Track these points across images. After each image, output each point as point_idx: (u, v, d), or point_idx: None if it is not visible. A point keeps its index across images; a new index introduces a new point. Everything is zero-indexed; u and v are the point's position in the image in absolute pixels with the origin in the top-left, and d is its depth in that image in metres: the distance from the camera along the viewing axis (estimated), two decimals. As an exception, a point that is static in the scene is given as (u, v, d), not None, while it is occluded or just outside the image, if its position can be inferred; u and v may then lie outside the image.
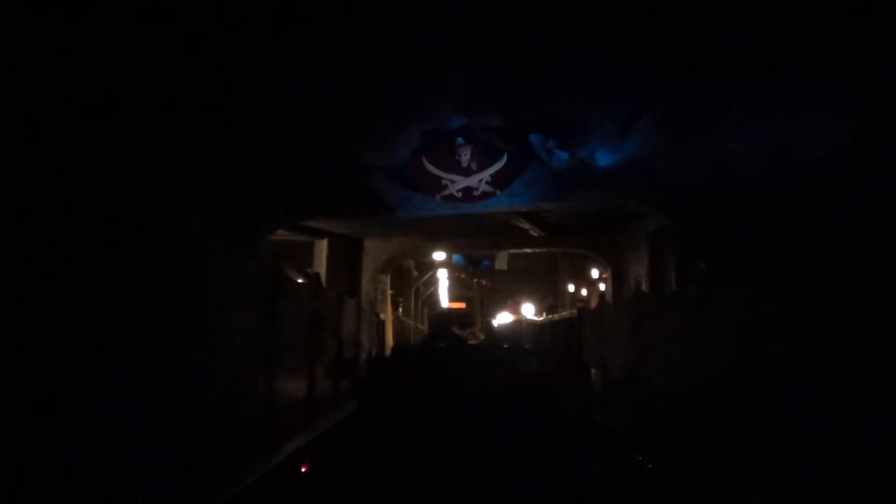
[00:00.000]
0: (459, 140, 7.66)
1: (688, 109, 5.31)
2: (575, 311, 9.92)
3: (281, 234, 11.22)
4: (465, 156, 7.79)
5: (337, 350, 7.23)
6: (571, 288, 30.43)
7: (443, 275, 22.18)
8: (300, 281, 5.70)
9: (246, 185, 6.97)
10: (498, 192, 7.96)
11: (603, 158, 6.41)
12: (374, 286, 12.73)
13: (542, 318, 15.87)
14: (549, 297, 29.70)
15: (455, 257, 23.18)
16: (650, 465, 5.75)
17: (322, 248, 12.30)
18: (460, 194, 8.03)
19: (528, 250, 13.45)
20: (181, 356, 3.16)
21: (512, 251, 14.27)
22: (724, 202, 6.28)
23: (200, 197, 4.21)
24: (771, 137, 5.39)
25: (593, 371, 8.13)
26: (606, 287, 26.20)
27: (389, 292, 15.21)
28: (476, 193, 8.00)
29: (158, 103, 4.98)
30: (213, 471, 3.45)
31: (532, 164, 7.73)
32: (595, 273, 27.88)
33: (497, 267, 27.57)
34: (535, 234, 11.10)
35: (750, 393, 4.09)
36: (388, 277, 14.24)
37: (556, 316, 13.08)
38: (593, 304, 27.85)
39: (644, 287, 9.77)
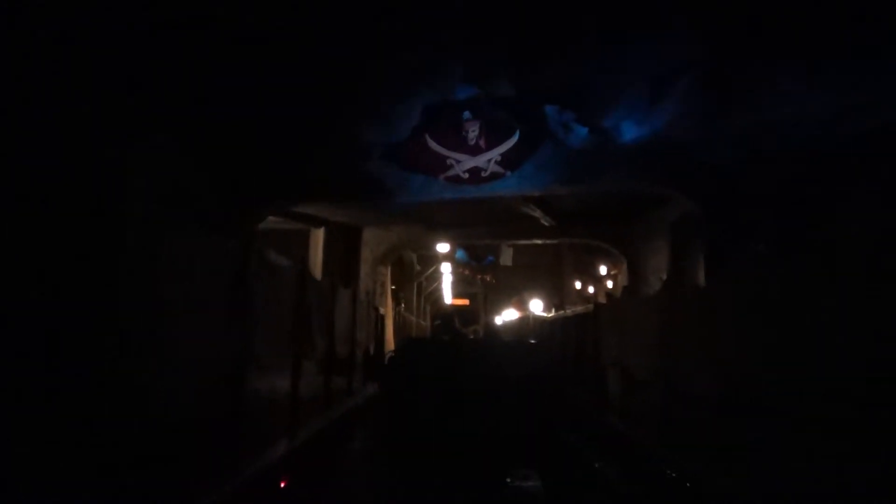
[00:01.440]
0: (466, 114, 6.95)
1: (731, 72, 4.59)
2: (590, 305, 9.21)
3: (275, 222, 10.60)
4: (473, 132, 7.08)
5: (328, 346, 6.56)
6: (578, 285, 29.99)
7: (446, 269, 21.46)
8: (284, 266, 5.00)
9: (227, 163, 6.27)
10: (508, 174, 7.25)
11: (629, 131, 5.70)
12: (372, 278, 12.08)
13: (551, 315, 15.16)
14: (557, 296, 29.17)
15: (458, 253, 22.64)
16: (674, 475, 5.12)
17: (318, 237, 11.64)
18: (467, 175, 7.33)
19: (538, 241, 12.80)
20: (115, 367, 2.47)
21: (520, 242, 13.60)
22: (765, 183, 5.58)
23: (167, 174, 3.50)
24: (823, 105, 4.67)
25: (611, 371, 7.43)
26: (615, 283, 25.60)
27: (390, 286, 14.58)
28: (484, 174, 7.30)
29: (124, 65, 4.30)
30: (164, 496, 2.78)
31: (546, 142, 7.03)
32: (603, 269, 27.44)
33: (501, 263, 27.17)
34: (545, 224, 10.42)
35: (805, 395, 3.42)
36: (389, 270, 13.61)
37: (567, 312, 12.36)
38: (600, 299, 27.45)
39: (664, 279, 9.08)
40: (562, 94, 5.58)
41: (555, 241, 13.42)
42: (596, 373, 7.88)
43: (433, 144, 7.22)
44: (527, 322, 18.76)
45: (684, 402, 5.24)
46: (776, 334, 3.79)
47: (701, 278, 7.10)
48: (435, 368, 5.66)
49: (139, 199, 2.70)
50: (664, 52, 4.42)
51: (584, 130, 6.41)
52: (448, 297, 28.19)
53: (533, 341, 9.89)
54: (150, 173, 2.85)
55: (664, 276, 9.09)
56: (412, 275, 19.95)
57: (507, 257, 27.99)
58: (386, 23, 4.76)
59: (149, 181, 2.80)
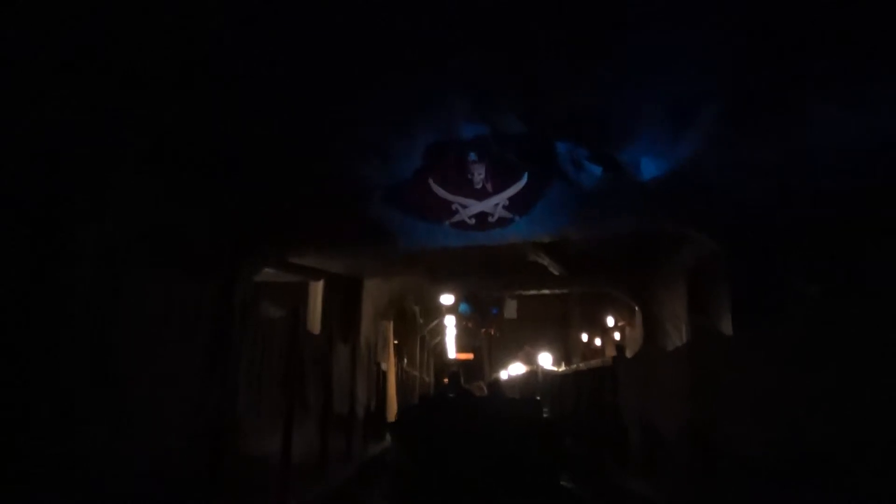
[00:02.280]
0: (472, 155, 6.59)
1: (762, 97, 4.22)
2: (607, 358, 8.69)
3: (272, 275, 10.21)
4: (479, 175, 6.71)
5: (325, 404, 6.05)
6: (584, 337, 29.39)
7: (450, 322, 20.96)
8: (275, 317, 4.56)
9: (212, 205, 5.86)
10: (517, 218, 6.84)
11: (648, 167, 5.32)
12: (374, 332, 11.58)
13: (562, 369, 14.56)
14: (563, 349, 28.68)
15: (462, 306, 22.20)
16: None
17: (317, 289, 11.23)
18: (473, 221, 6.92)
19: (547, 291, 12.30)
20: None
21: (528, 292, 13.10)
22: (801, 219, 5.16)
23: (140, 215, 3.07)
24: (867, 133, 4.29)
25: (633, 429, 6.87)
26: (623, 335, 24.97)
27: (393, 340, 14.06)
28: (491, 220, 6.89)
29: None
30: None
31: (556, 183, 6.67)
32: (610, 321, 26.98)
33: (506, 316, 27.01)
34: (554, 272, 9.97)
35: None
36: (391, 323, 13.11)
37: (581, 365, 11.81)
38: (608, 353, 26.97)
39: (685, 331, 8.58)
40: (576, 128, 5.21)
41: (564, 291, 12.91)
42: (616, 431, 7.32)
43: (437, 189, 6.84)
44: (534, 377, 18.16)
45: (719, 462, 4.72)
46: (836, 381, 3.31)
47: (726, 325, 6.63)
48: (450, 430, 5.55)
49: (95, 240, 2.28)
50: (690, 75, 4.06)
51: (597, 169, 6.03)
52: (452, 351, 27.58)
53: (537, 398, 9.55)
54: (115, 213, 2.43)
55: (683, 325, 8.61)
56: (415, 328, 19.40)
57: (511, 309, 27.85)
58: (381, 47, 4.43)
59: (112, 221, 2.39)
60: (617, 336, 26.73)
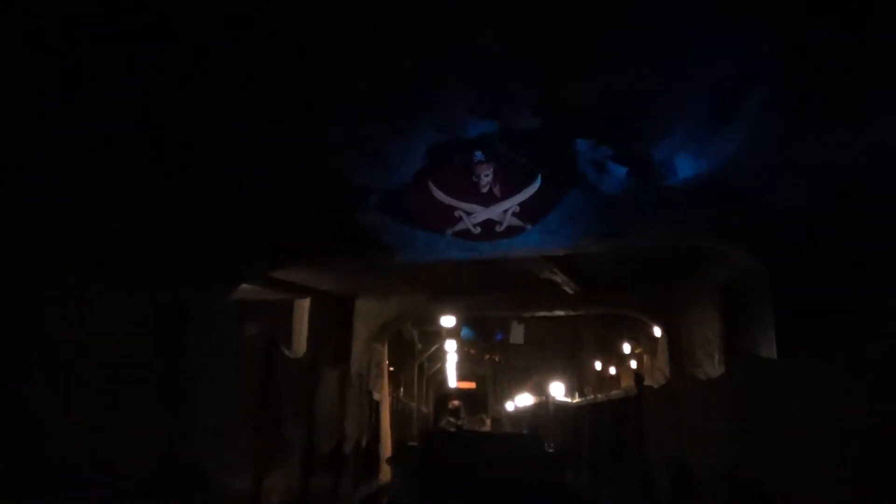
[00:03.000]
0: (478, 155, 6.24)
1: (821, 82, 3.88)
2: (630, 387, 8.30)
3: (252, 293, 9.88)
4: (486, 177, 6.36)
5: (307, 440, 5.65)
6: (598, 365, 28.96)
7: (451, 347, 20.54)
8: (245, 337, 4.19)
9: (181, 214, 5.49)
10: (528, 227, 6.50)
11: (683, 167, 4.96)
12: (367, 357, 11.23)
13: (577, 400, 14.16)
14: (575, 378, 28.28)
15: (464, 331, 21.94)
16: None
17: (303, 308, 10.87)
18: (478, 230, 6.57)
19: (559, 313, 11.93)
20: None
21: (539, 314, 12.73)
22: (860, 234, 4.81)
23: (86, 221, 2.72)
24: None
25: (660, 469, 6.46)
26: (641, 363, 24.56)
27: (387, 367, 13.68)
28: (499, 229, 6.54)
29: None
30: None
31: (574, 187, 6.33)
32: (626, 348, 26.62)
33: (512, 341, 26.60)
34: (568, 291, 9.60)
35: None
36: (386, 348, 12.76)
37: (598, 396, 11.41)
38: (623, 383, 26.55)
39: (718, 358, 8.20)
40: (599, 121, 4.86)
41: (578, 313, 12.53)
42: (639, 472, 6.92)
43: (438, 193, 6.50)
44: (544, 409, 17.73)
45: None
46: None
47: (769, 351, 6.27)
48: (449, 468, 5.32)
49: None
50: (736, 53, 3.72)
51: (622, 171, 5.68)
52: (453, 380, 27.17)
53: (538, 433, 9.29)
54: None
55: (716, 352, 8.24)
56: (412, 354, 19.07)
57: (517, 334, 27.38)
58: (369, 28, 4.11)
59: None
60: (634, 364, 26.44)
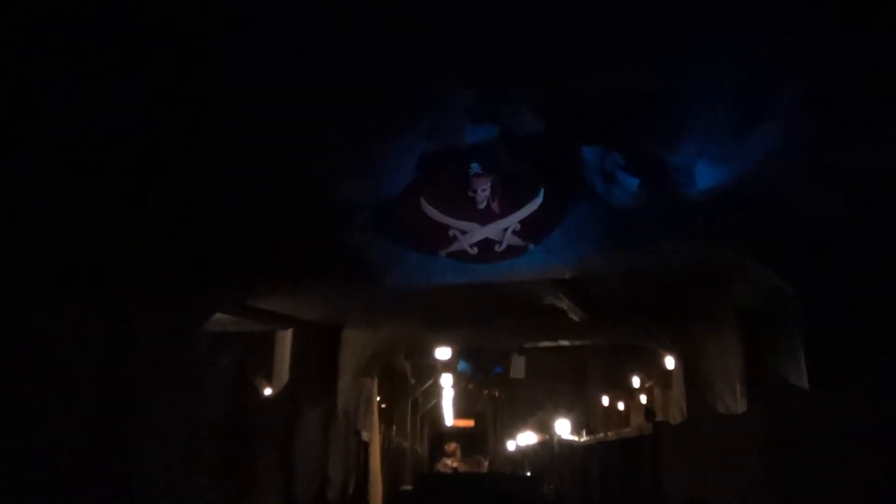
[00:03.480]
0: (475, 167, 6.00)
1: (860, 78, 3.62)
2: (645, 425, 7.97)
3: (232, 324, 9.55)
4: (483, 191, 6.10)
5: (284, 485, 5.29)
6: (605, 401, 28.53)
7: (447, 381, 20.10)
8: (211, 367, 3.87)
9: (136, 229, 5.17)
10: (530, 247, 6.22)
11: (704, 175, 4.68)
12: (354, 393, 10.77)
13: (584, 438, 13.76)
14: (582, 415, 27.91)
15: (461, 364, 21.56)
16: None
17: (285, 340, 10.47)
18: (475, 250, 6.29)
19: (565, 343, 11.59)
20: None
21: (542, 344, 12.40)
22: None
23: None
24: None
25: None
26: (651, 397, 24.17)
27: (377, 403, 13.26)
28: (498, 249, 6.26)
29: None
30: None
31: (580, 202, 6.08)
32: (636, 381, 26.28)
33: (512, 375, 26.02)
34: (574, 319, 9.29)
35: None
36: (375, 382, 12.31)
37: (610, 434, 11.05)
38: (633, 421, 26.14)
39: (739, 389, 7.85)
40: (608, 125, 4.59)
41: (585, 342, 12.22)
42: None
43: (431, 210, 6.24)
44: (548, 448, 17.30)
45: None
46: None
47: (799, 380, 5.95)
48: None
49: None
50: (767, 44, 3.46)
51: (633, 182, 5.42)
52: (449, 418, 26.71)
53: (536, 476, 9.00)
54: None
55: (738, 385, 7.89)
56: (406, 389, 18.61)
57: (518, 368, 26.92)
58: (356, 22, 3.86)
59: None
60: (644, 399, 26.00)
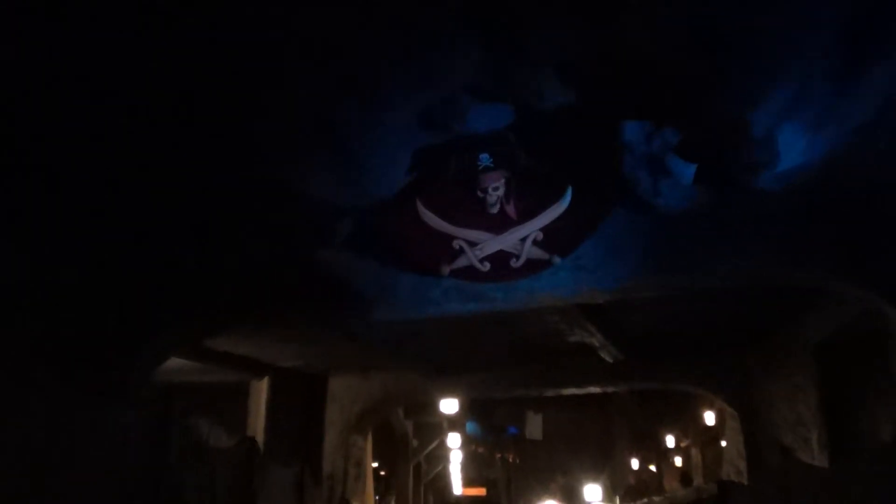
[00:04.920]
0: (484, 159, 5.21)
1: None
2: (708, 485, 7.15)
3: (197, 372, 8.85)
4: (495, 191, 5.29)
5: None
6: (635, 464, 27.56)
7: (454, 442, 19.30)
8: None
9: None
10: (556, 261, 5.37)
11: (791, 149, 3.87)
12: (343, 453, 10.18)
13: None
14: (609, 480, 27.37)
15: (469, 426, 21.51)
16: None
17: (260, 390, 9.78)
18: (487, 266, 5.44)
19: (595, 389, 10.80)
20: None
21: (567, 391, 11.55)
22: None
23: None
24: None
25: None
26: (687, 458, 23.18)
27: (372, 465, 12.53)
28: (516, 264, 5.41)
29: None
30: None
31: (619, 204, 5.28)
32: (670, 441, 25.65)
33: (528, 436, 26.00)
34: (607, 359, 8.54)
35: None
36: (369, 442, 11.68)
37: (655, 500, 10.18)
38: (668, 484, 25.37)
39: (817, 441, 7.05)
40: (660, 83, 3.80)
41: (620, 389, 11.48)
42: None
43: (429, 216, 5.43)
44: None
45: None
46: None
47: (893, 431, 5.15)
48: None
49: None
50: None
51: (688, 171, 4.63)
52: (458, 485, 26.02)
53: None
54: None
55: (815, 434, 7.10)
56: (407, 452, 17.95)
57: (534, 428, 26.71)
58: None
59: None
60: (679, 461, 25.30)
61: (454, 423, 18.13)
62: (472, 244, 5.41)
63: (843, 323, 6.29)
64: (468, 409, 19.70)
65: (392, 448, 16.79)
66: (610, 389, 11.52)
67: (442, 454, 21.39)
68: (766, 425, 8.20)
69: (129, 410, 5.77)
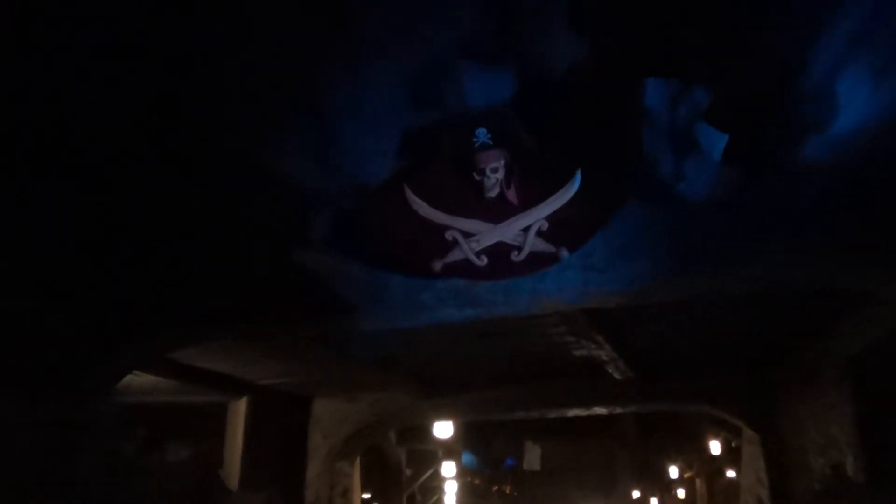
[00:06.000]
0: (481, 135, 4.57)
1: None
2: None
3: (173, 392, 8.26)
4: (494, 173, 4.64)
5: None
6: (636, 494, 27.38)
7: (449, 471, 18.67)
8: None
9: None
10: (564, 255, 4.71)
11: (854, 101, 3.23)
12: (327, 480, 9.64)
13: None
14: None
15: (465, 457, 20.85)
16: None
17: (238, 412, 9.13)
18: (484, 260, 4.78)
19: (602, 411, 10.17)
20: None
21: (571, 413, 10.92)
22: None
23: None
24: None
25: None
26: (690, 491, 22.68)
27: (362, 495, 11.88)
28: (517, 257, 4.74)
29: None
30: None
31: (635, 192, 4.65)
32: (673, 472, 25.76)
33: (527, 467, 25.94)
34: (616, 376, 7.93)
35: None
36: (357, 470, 11.11)
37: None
38: None
39: (852, 466, 6.39)
40: (698, 15, 3.17)
41: (629, 410, 10.86)
42: None
43: (419, 204, 4.77)
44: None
45: None
46: None
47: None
48: None
49: None
50: None
51: (720, 143, 4.01)
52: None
53: None
54: None
55: (851, 458, 6.45)
56: (400, 482, 17.41)
57: (533, 458, 26.60)
58: None
59: None
60: (682, 493, 25.27)
61: (449, 450, 17.58)
62: (468, 235, 4.76)
63: (882, 332, 5.68)
64: (464, 439, 19.45)
65: (384, 477, 16.06)
66: (617, 411, 10.87)
67: (436, 485, 20.82)
68: (793, 449, 7.61)
69: (85, 434, 5.23)
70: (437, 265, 4.79)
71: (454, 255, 4.79)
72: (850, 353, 6.41)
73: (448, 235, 4.76)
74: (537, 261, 4.75)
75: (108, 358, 5.52)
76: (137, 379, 8.08)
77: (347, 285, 5.24)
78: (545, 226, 4.68)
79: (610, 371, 7.93)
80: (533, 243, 4.70)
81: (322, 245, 5.08)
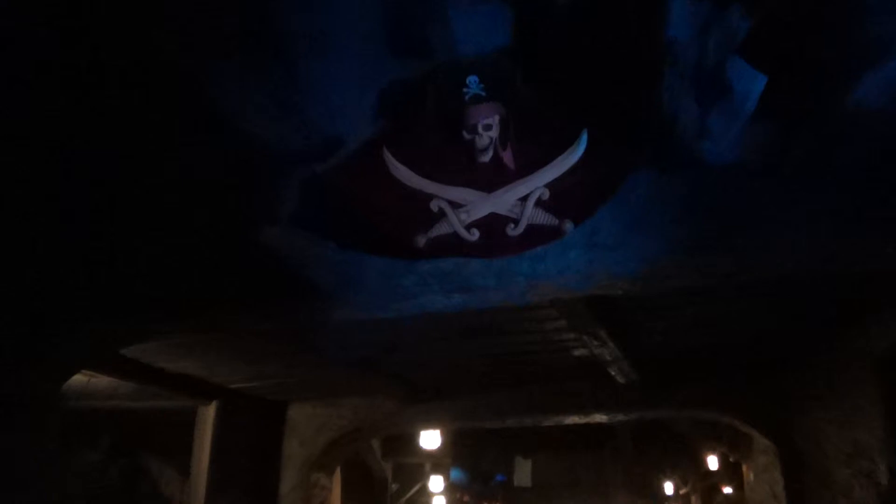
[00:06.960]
0: (472, 83, 3.93)
1: None
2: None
3: (144, 396, 7.70)
4: (487, 130, 4.00)
5: None
6: (629, 511, 27.09)
7: (437, 486, 18.33)
8: None
9: None
10: (568, 228, 4.07)
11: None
12: (304, 493, 9.05)
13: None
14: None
15: (454, 473, 20.57)
16: None
17: (207, 418, 8.53)
18: (475, 235, 4.13)
19: (602, 418, 9.66)
20: None
21: (568, 420, 10.39)
22: None
23: None
24: None
25: None
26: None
27: None
28: (514, 231, 4.09)
29: None
30: None
31: (650, 155, 4.04)
32: (668, 488, 25.96)
33: (517, 483, 25.86)
34: (619, 380, 7.41)
35: None
36: (338, 482, 10.55)
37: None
38: None
39: (883, 475, 5.85)
40: None
41: (630, 417, 10.36)
42: None
43: (399, 169, 4.14)
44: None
45: None
46: None
47: None
48: None
49: None
50: None
51: (756, 88, 3.41)
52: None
53: None
54: None
55: (882, 468, 5.89)
56: (385, 497, 17.00)
57: (523, 474, 26.50)
58: None
59: None
60: None
61: (437, 464, 17.17)
62: (457, 205, 4.12)
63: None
64: (453, 454, 19.16)
65: (369, 492, 15.65)
66: (619, 418, 10.36)
67: (424, 500, 20.48)
68: (814, 458, 7.06)
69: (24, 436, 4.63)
70: (422, 240, 4.14)
71: (441, 229, 4.15)
72: (878, 351, 5.88)
73: (434, 205, 4.12)
74: (536, 235, 4.12)
75: (34, 355, 4.88)
76: (99, 381, 7.58)
77: (316, 267, 4.66)
78: (546, 194, 4.05)
79: (613, 374, 7.39)
80: (532, 215, 4.07)
81: (287, 218, 4.46)
